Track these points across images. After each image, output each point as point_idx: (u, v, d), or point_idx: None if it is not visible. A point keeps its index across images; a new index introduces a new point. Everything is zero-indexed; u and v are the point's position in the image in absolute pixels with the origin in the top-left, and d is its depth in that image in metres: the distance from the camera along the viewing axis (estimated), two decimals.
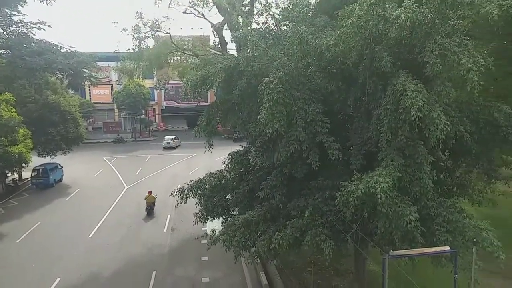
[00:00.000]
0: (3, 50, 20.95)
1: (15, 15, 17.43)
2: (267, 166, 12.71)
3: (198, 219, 14.66)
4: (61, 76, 19.51)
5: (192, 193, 14.85)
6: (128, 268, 17.96)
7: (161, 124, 64.90)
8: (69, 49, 19.75)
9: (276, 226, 11.37)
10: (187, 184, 15.48)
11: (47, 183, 31.42)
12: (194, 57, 26.28)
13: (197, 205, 15.29)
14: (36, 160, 31.98)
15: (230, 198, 14.53)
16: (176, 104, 62.96)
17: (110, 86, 60.93)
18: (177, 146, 50.17)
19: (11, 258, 19.08)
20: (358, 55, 10.39)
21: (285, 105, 10.12)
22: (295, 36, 10.94)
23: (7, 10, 18.11)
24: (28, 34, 18.11)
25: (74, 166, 37.49)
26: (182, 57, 28.32)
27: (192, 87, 13.17)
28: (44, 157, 33.59)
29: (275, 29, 14.88)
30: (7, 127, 23.02)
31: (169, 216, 24.63)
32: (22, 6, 18.55)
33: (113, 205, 27.19)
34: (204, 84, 13.02)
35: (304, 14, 12.62)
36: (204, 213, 14.57)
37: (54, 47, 18.48)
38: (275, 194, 11.59)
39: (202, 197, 14.80)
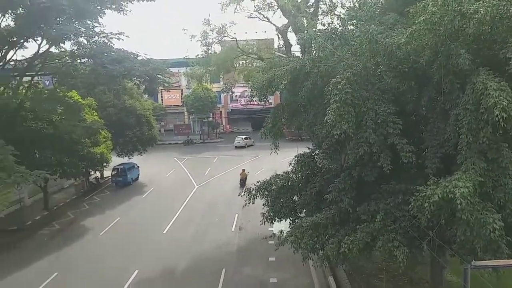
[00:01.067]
0: (86, 59, 22.96)
1: (96, 26, 19.18)
2: (335, 168, 12.50)
3: (265, 220, 14.86)
4: (138, 82, 21.00)
5: (259, 194, 15.09)
6: (199, 264, 18.74)
7: (227, 126, 66.65)
8: (145, 56, 21.22)
9: (345, 230, 11.16)
10: (254, 185, 15.76)
11: (125, 181, 33.88)
12: (259, 61, 26.66)
13: (264, 205, 15.51)
14: (115, 160, 34.67)
15: (297, 199, 14.52)
16: (242, 106, 64.32)
17: (180, 90, 63.88)
18: (247, 146, 52.07)
19: (94, 250, 20.86)
20: (432, 53, 9.83)
21: (353, 106, 9.91)
22: (363, 35, 10.66)
23: (89, 22, 19.85)
24: (108, 43, 19.82)
25: (148, 166, 39.89)
26: (247, 61, 28.87)
27: (258, 90, 13.41)
28: (122, 157, 36.27)
29: (341, 29, 14.60)
30: (91, 129, 25.23)
31: (236, 215, 25.23)
32: (102, 18, 20.24)
33: (184, 203, 28.53)
34: (270, 87, 13.19)
35: (372, 13, 12.24)
36: (271, 214, 14.73)
37: (132, 55, 19.96)
38: (343, 197, 11.37)
39: (269, 198, 14.98)
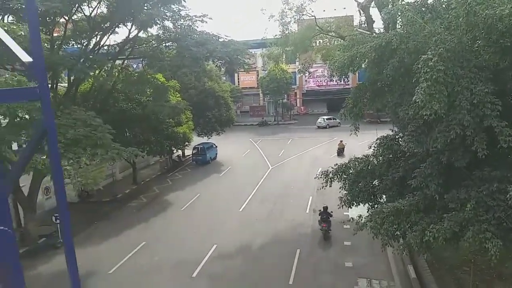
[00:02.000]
0: (171, 43, 24.01)
1: (182, 10, 19.92)
2: (421, 152, 11.74)
3: (342, 203, 14.57)
4: (219, 64, 21.60)
5: (337, 177, 14.79)
6: (274, 243, 19.11)
7: (302, 108, 66.04)
8: (225, 38, 21.61)
9: (430, 218, 10.50)
10: (332, 167, 15.48)
11: (204, 160, 35.50)
12: (338, 39, 25.76)
13: (340, 189, 15.21)
14: (195, 140, 36.40)
15: (377, 184, 13.99)
16: (317, 87, 63.20)
17: (256, 72, 64.49)
18: (329, 126, 51.93)
19: (177, 223, 22.30)
20: None
21: (445, 85, 9.13)
22: (460, 7, 9.69)
23: (173, 6, 20.61)
24: (191, 26, 20.51)
25: (225, 146, 41.23)
26: (325, 40, 28.07)
27: (339, 69, 12.96)
28: (202, 137, 37.95)
29: (433, 1, 13.44)
30: (177, 109, 26.65)
31: (311, 198, 25.16)
32: (185, 1, 20.92)
33: (259, 183, 29.11)
34: (351, 65, 12.67)
35: None
36: (349, 198, 14.38)
37: (213, 37, 20.47)
38: (430, 184, 10.66)
39: (347, 182, 14.62)
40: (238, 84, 64.80)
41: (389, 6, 20.83)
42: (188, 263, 17.24)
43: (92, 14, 19.85)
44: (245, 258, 17.81)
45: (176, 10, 19.78)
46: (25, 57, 2.13)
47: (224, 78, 45.51)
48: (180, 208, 24.82)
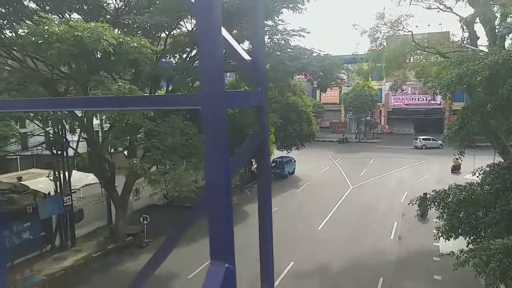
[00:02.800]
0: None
1: (280, 24, 20.10)
2: None
3: (440, 234, 13.22)
4: (311, 78, 21.34)
5: (435, 204, 13.49)
6: (355, 268, 18.03)
7: (386, 126, 63.07)
8: (319, 53, 21.33)
9: None
10: (429, 194, 14.17)
11: (282, 174, 35.28)
12: (435, 56, 24.05)
13: (438, 218, 13.84)
14: (275, 153, 36.39)
15: (481, 216, 12.46)
16: (405, 106, 59.99)
17: (338, 88, 63.26)
18: (425, 147, 49.68)
19: (254, 236, 22.10)
20: None
21: None
22: None
23: (269, 22, 20.80)
24: (286, 41, 20.60)
25: (303, 161, 40.64)
26: (421, 56, 26.37)
27: (445, 87, 11.89)
28: (282, 151, 37.85)
29: None
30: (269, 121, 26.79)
31: (395, 223, 23.49)
32: (278, 17, 21.08)
33: (339, 203, 28.01)
34: (460, 83, 11.55)
35: None
36: (447, 229, 13.00)
37: (307, 52, 20.34)
38: None
39: (445, 210, 13.26)
40: (320, 100, 64.03)
41: (496, 21, 18.97)
42: None
43: (192, 29, 20.88)
44: (323, 281, 17.02)
45: (274, 25, 19.99)
46: (246, 57, 2.03)
47: (306, 93, 45.29)
48: (256, 220, 24.65)
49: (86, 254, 18.70)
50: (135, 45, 11.91)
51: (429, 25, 30.62)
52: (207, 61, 1.58)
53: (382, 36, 24.05)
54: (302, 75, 22.56)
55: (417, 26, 27.78)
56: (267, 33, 19.74)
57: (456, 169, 34.15)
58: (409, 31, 22.49)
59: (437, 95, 12.70)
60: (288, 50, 20.14)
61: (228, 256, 1.70)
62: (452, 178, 30.02)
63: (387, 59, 22.66)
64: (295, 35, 20.10)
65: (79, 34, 10.64)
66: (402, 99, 59.82)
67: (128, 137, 14.38)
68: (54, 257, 18.18)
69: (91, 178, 22.27)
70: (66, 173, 19.18)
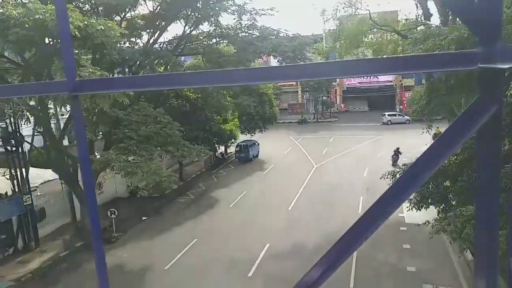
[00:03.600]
0: (222, 39, 23.69)
1: (247, 3, 19.58)
2: (507, 151, 10.84)
3: (412, 206, 13.79)
4: (280, 59, 21.19)
5: None
6: (329, 244, 18.26)
7: (342, 105, 64.71)
8: (286, 33, 21.14)
9: None
10: (400, 167, 14.70)
11: (247, 157, 35.27)
12: (392, 34, 24.81)
13: None
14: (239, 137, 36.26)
15: (449, 185, 13.14)
16: (358, 84, 61.71)
17: None
18: (390, 123, 50.29)
19: (226, 221, 22.12)
20: None
21: None
22: None
23: (238, 1, 20.12)
24: (253, 20, 20.20)
25: (266, 143, 40.84)
26: (377, 35, 27.08)
27: None
28: (245, 134, 37.75)
29: None
30: (241, 106, 26.21)
31: (361, 198, 24.32)
32: None
33: (305, 182, 28.53)
34: None
35: None
36: (418, 199, 13.59)
37: (274, 32, 20.05)
38: None
39: None
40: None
41: None
42: (242, 262, 16.98)
43: (155, 10, 19.82)
44: (301, 259, 17.29)
45: (242, 4, 19.44)
46: None
47: None
48: (227, 205, 24.65)
49: (52, 255, 17.75)
50: (102, 28, 11.10)
51: (378, 4, 31.49)
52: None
53: (342, 15, 24.39)
54: (263, 57, 22.38)
55: (378, 4, 28.46)
56: (236, 13, 19.25)
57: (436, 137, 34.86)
58: (366, 10, 22.93)
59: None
60: (255, 31, 19.81)
61: None
62: (405, 152, 31.57)
63: (347, 38, 23.02)
64: (264, 14, 19.80)
65: (40, 17, 9.70)
66: (355, 78, 61.44)
67: (98, 128, 13.54)
68: (18, 260, 17.08)
69: (49, 174, 21.02)
70: (23, 170, 17.89)
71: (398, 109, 59.62)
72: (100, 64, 13.15)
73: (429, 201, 13.37)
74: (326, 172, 31.09)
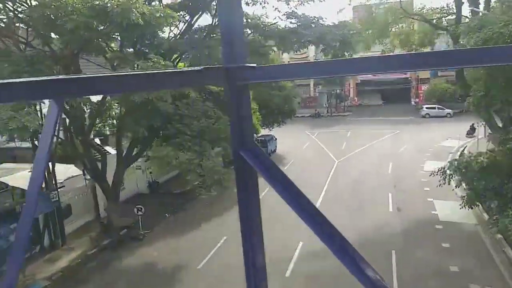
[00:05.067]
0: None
1: None
2: None
3: (464, 203, 13.11)
4: (325, 49, 20.13)
5: (457, 173, 13.33)
6: (364, 244, 17.73)
7: (355, 99, 63.77)
8: (324, 22, 20.13)
9: None
10: (448, 163, 14.01)
11: (266, 153, 34.54)
12: (422, 23, 24.01)
13: (456, 187, 13.74)
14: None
15: (506, 182, 12.43)
16: (372, 77, 60.65)
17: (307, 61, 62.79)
18: (428, 116, 48.48)
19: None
20: None
21: None
22: None
23: None
24: (292, 10, 19.27)
25: (282, 138, 40.07)
26: (404, 25, 26.24)
27: None
28: (264, 128, 37.03)
29: None
30: (288, 97, 24.79)
31: (390, 195, 23.63)
32: None
33: (328, 178, 27.86)
34: None
35: None
36: (473, 196, 12.90)
37: (315, 19, 19.07)
38: None
39: (468, 179, 13.14)
40: None
41: None
42: (277, 261, 16.36)
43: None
44: (334, 259, 16.70)
45: None
46: None
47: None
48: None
49: (80, 252, 17.26)
50: (161, 15, 10.38)
51: None
52: None
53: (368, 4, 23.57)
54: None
55: None
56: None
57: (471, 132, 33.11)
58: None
59: None
60: (299, 18, 18.78)
61: None
62: (427, 147, 30.83)
63: (379, 26, 22.22)
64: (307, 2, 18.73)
65: (99, 3, 9.03)
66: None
67: (145, 122, 12.88)
68: (45, 259, 16.63)
69: (73, 169, 20.54)
70: (50, 165, 17.34)
71: (413, 103, 58.67)
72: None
73: (484, 198, 12.67)
74: (348, 168, 30.36)
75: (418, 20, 24.14)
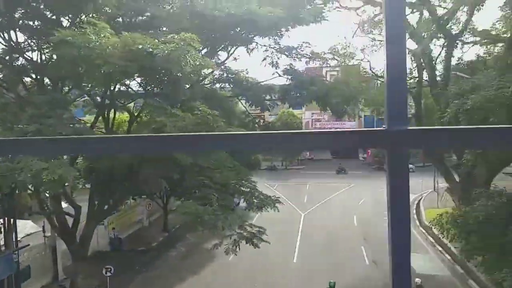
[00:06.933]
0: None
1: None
2: None
3: (462, 255, 13.36)
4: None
5: (453, 226, 13.68)
6: None
7: (308, 153, 65.61)
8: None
9: None
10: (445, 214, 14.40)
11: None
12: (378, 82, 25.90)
13: (451, 241, 14.07)
14: None
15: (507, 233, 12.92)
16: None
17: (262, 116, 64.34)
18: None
19: (230, 276, 20.46)
20: None
21: None
22: None
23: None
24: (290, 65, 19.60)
25: None
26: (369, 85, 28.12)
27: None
28: None
29: None
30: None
31: (363, 247, 23.72)
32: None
33: (299, 231, 27.56)
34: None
35: None
36: (469, 249, 13.21)
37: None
38: None
39: (464, 231, 13.51)
40: None
41: None
42: None
43: None
44: None
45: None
46: None
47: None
48: (227, 258, 22.72)
49: None
50: (201, 63, 9.81)
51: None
52: None
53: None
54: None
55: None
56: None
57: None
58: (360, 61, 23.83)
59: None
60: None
61: None
62: (384, 200, 31.81)
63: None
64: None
65: (141, 47, 8.29)
66: (320, 125, 63.15)
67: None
68: None
69: (30, 225, 18.31)
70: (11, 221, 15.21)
71: (362, 158, 61.58)
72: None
73: (482, 251, 13.02)
74: (315, 220, 30.38)
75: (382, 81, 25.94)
